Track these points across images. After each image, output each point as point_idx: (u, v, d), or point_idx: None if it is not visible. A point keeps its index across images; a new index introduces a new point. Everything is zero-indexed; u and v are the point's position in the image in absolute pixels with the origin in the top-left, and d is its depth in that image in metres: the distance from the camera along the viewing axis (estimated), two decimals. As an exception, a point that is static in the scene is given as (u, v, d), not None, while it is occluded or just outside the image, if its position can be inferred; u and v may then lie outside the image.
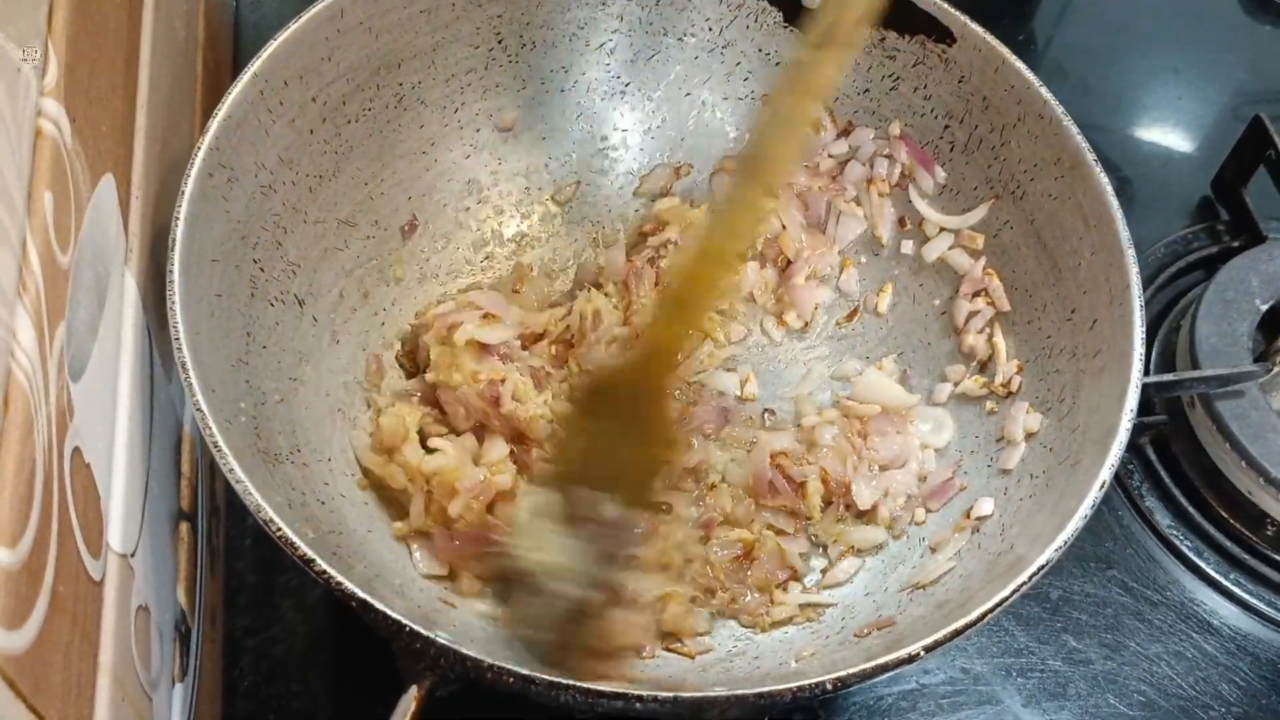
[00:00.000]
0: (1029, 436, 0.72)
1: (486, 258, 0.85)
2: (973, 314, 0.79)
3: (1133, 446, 0.87)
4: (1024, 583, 0.57)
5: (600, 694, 0.52)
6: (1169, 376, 0.84)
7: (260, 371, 0.67)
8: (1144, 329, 0.66)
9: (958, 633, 0.55)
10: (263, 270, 0.70)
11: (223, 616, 0.73)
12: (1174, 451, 0.87)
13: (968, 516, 0.71)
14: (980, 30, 0.77)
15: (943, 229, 0.82)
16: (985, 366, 0.78)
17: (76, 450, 0.49)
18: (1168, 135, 1.09)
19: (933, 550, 0.71)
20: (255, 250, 0.69)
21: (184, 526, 0.66)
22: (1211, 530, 0.84)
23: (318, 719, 0.71)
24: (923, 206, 0.83)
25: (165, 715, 0.58)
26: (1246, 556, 0.83)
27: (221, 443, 0.56)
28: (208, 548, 0.70)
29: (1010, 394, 0.75)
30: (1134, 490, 0.86)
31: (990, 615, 0.56)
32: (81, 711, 0.46)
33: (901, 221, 0.84)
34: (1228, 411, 0.83)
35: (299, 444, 0.68)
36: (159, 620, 0.59)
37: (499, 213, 0.85)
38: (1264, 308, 0.88)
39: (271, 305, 0.70)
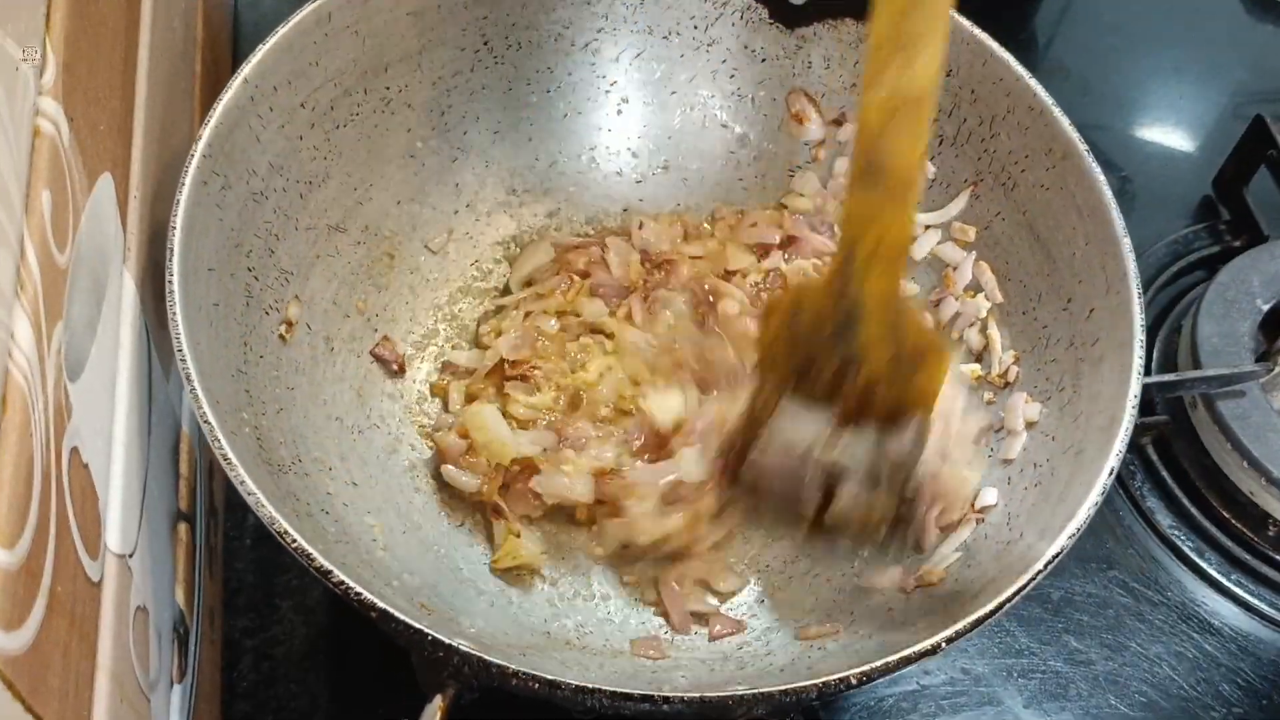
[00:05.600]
0: (1029, 426, 0.71)
1: (475, 261, 0.84)
2: (958, 314, 0.79)
3: (1134, 447, 0.87)
4: (1040, 571, 0.57)
5: (627, 696, 0.52)
6: (1170, 376, 0.84)
7: (259, 381, 0.67)
8: (1143, 314, 0.66)
9: (979, 622, 0.55)
10: (257, 278, 0.69)
11: (221, 617, 0.73)
12: (1175, 452, 0.87)
13: (972, 508, 0.70)
14: (967, 23, 0.76)
15: (928, 226, 0.82)
16: (981, 357, 0.78)
17: (75, 450, 0.49)
18: (1169, 135, 1.09)
19: (938, 543, 0.71)
20: (249, 258, 0.69)
21: (182, 527, 0.66)
22: (1213, 530, 0.84)
23: (317, 719, 0.71)
24: None
25: (164, 716, 0.58)
26: (1248, 557, 0.83)
27: (232, 455, 0.56)
28: (206, 548, 0.70)
29: (1008, 384, 0.75)
30: (1135, 490, 0.86)
31: (1007, 606, 0.56)
32: (80, 712, 0.46)
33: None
34: (1229, 411, 0.83)
35: (299, 454, 0.67)
36: (157, 621, 0.59)
37: (488, 215, 0.85)
38: (1265, 307, 0.87)
39: (266, 313, 0.70)
